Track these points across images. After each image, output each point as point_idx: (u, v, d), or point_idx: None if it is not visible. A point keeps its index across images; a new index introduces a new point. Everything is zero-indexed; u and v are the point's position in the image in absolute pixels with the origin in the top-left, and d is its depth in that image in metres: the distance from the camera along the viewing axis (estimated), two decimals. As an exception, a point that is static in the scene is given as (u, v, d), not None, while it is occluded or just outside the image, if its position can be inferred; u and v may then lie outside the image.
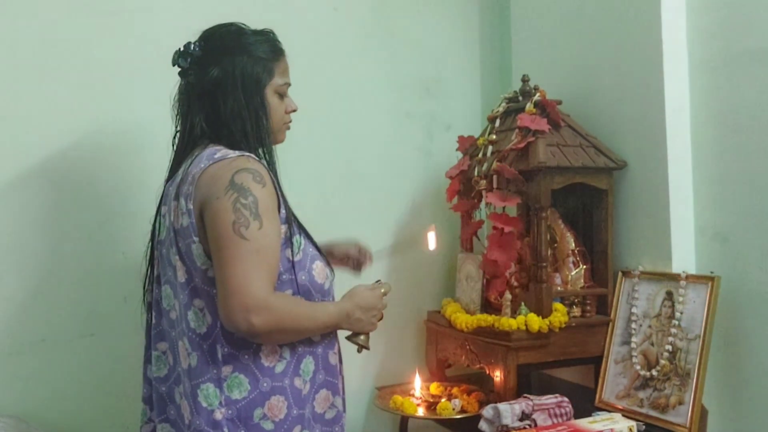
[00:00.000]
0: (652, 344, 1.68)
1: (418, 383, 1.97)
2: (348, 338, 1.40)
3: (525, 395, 1.63)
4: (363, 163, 2.15)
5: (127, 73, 1.80)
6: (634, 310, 1.74)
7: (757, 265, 1.60)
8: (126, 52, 1.81)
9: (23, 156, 1.71)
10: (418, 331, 2.19)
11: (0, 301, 1.68)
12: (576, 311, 1.82)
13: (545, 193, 1.74)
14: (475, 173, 1.89)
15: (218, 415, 1.21)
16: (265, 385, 1.24)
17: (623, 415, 1.58)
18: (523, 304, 1.75)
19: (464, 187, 1.98)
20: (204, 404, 1.21)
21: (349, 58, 2.14)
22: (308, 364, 1.30)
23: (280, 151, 1.41)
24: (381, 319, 1.42)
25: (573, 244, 1.87)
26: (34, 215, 1.73)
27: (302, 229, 1.34)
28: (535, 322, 1.70)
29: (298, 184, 1.93)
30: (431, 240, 1.71)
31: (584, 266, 1.85)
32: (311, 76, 2.05)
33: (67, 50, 1.75)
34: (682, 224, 1.73)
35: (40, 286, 1.73)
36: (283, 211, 1.28)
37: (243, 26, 1.37)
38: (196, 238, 1.23)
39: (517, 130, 1.82)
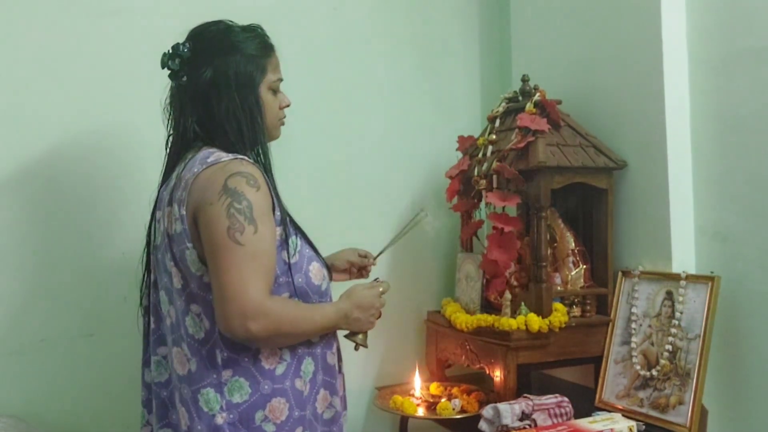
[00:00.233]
0: (652, 344, 1.68)
1: (418, 383, 1.97)
2: (346, 336, 1.40)
3: (525, 395, 1.63)
4: (362, 163, 2.15)
5: (129, 73, 1.80)
6: (634, 310, 1.74)
7: (757, 265, 1.60)
8: (128, 52, 1.81)
9: (23, 156, 1.71)
10: (418, 331, 2.19)
11: (0, 301, 1.68)
12: (576, 311, 1.82)
13: (545, 192, 1.74)
14: (475, 173, 1.88)
15: (219, 420, 1.20)
16: (266, 387, 1.24)
17: (623, 415, 1.58)
18: (523, 304, 1.75)
19: (464, 187, 1.98)
20: (205, 409, 1.21)
21: (349, 58, 2.14)
22: (308, 365, 1.30)
23: (278, 151, 1.41)
24: (379, 317, 1.42)
25: (573, 244, 1.87)
26: (33, 215, 1.73)
27: (298, 230, 1.33)
28: (535, 322, 1.70)
29: (297, 185, 1.95)
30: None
31: (584, 266, 1.85)
32: (311, 76, 2.06)
33: (67, 50, 1.76)
34: (682, 224, 1.73)
35: (40, 286, 1.73)
36: (277, 212, 1.27)
37: (231, 23, 1.35)
38: (189, 244, 1.22)
39: (516, 130, 1.82)
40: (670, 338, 1.63)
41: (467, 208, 1.99)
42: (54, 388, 1.72)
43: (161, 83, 1.39)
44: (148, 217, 1.40)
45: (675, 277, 1.67)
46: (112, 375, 1.76)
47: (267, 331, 1.17)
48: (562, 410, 1.60)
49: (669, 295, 1.68)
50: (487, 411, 1.59)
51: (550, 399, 1.61)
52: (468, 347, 1.87)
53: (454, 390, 1.93)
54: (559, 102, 1.87)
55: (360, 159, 2.15)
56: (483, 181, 1.85)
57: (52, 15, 1.74)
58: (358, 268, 1.66)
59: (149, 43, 1.78)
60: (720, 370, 1.65)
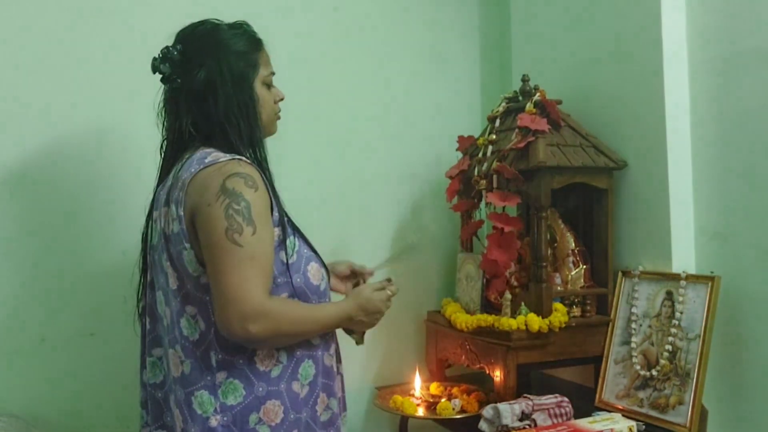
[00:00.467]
0: (652, 344, 1.68)
1: (418, 383, 1.97)
2: (344, 330, 1.40)
3: (525, 395, 1.63)
4: (362, 163, 2.15)
5: (129, 73, 1.80)
6: (634, 310, 1.74)
7: (757, 265, 1.60)
8: (128, 52, 1.81)
9: (23, 156, 1.71)
10: (418, 331, 2.19)
11: (0, 301, 1.68)
12: (576, 311, 1.82)
13: (545, 192, 1.74)
14: (475, 173, 1.88)
15: (213, 422, 1.20)
16: (260, 389, 1.23)
17: (623, 415, 1.58)
18: (523, 304, 1.75)
19: (464, 187, 1.98)
20: (199, 411, 1.20)
21: (349, 58, 2.14)
22: (307, 368, 1.29)
23: (277, 151, 1.40)
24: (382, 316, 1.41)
25: (573, 244, 1.87)
26: (33, 215, 1.73)
27: (296, 230, 1.33)
28: (535, 322, 1.70)
29: (296, 185, 1.94)
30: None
31: (584, 266, 1.85)
32: (311, 76, 2.06)
33: (68, 50, 1.75)
34: (682, 224, 1.73)
35: (40, 286, 1.73)
36: (275, 213, 1.26)
37: (217, 22, 1.35)
38: (187, 245, 1.21)
39: (517, 130, 1.82)
40: (670, 338, 1.63)
41: (467, 208, 1.99)
42: (54, 387, 1.72)
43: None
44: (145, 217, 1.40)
45: (675, 277, 1.67)
46: (112, 375, 1.76)
47: (267, 331, 1.17)
48: (562, 410, 1.60)
49: (669, 295, 1.68)
50: (487, 411, 1.59)
51: (550, 399, 1.61)
52: (468, 347, 1.87)
53: (454, 390, 1.93)
54: (559, 102, 1.87)
55: (360, 159, 2.15)
56: (483, 181, 1.85)
57: (52, 15, 1.74)
58: (359, 274, 1.64)
59: (149, 42, 1.79)
60: (720, 370, 1.65)
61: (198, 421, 1.20)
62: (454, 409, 1.78)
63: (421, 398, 1.92)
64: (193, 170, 1.22)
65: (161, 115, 1.36)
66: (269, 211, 1.24)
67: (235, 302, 1.15)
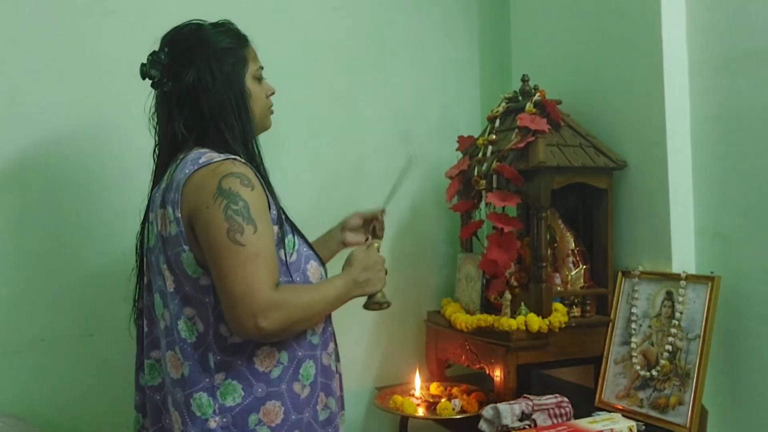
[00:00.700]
0: (652, 344, 1.68)
1: (418, 383, 1.97)
2: (366, 306, 1.39)
3: (525, 395, 1.63)
4: (362, 163, 2.15)
5: (129, 73, 1.79)
6: (634, 310, 1.74)
7: (757, 265, 1.60)
8: (126, 51, 1.80)
9: (23, 155, 1.71)
10: (418, 331, 2.18)
11: (0, 301, 1.68)
12: (576, 311, 1.82)
13: (545, 193, 1.74)
14: (475, 173, 1.88)
15: (212, 424, 1.19)
16: (259, 390, 1.23)
17: (623, 415, 1.58)
18: (522, 304, 1.75)
19: (464, 187, 1.98)
20: (198, 414, 1.20)
21: (349, 57, 2.14)
22: (308, 368, 1.29)
23: (276, 151, 1.40)
24: (386, 273, 1.40)
25: (573, 244, 1.87)
26: (33, 215, 1.73)
27: (294, 228, 1.32)
28: (535, 322, 1.70)
29: (296, 184, 1.94)
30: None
31: (584, 266, 1.85)
32: (311, 76, 2.06)
33: (67, 50, 1.76)
34: (682, 224, 1.73)
35: (40, 286, 1.73)
36: (273, 211, 1.26)
37: (201, 22, 1.35)
38: (186, 247, 1.21)
39: (516, 130, 1.82)
40: (670, 338, 1.63)
41: (467, 208, 1.99)
42: (53, 387, 1.72)
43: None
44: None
45: (675, 277, 1.67)
46: (112, 375, 1.76)
47: (279, 323, 1.17)
48: (562, 410, 1.60)
49: (669, 295, 1.68)
50: (487, 411, 1.59)
51: (550, 399, 1.61)
52: (468, 347, 1.87)
53: (454, 390, 1.93)
54: (559, 102, 1.87)
55: (359, 159, 2.15)
56: (483, 181, 1.85)
57: (51, 15, 1.74)
58: (371, 220, 1.62)
59: (148, 44, 1.79)
60: (720, 370, 1.65)
61: (197, 423, 1.20)
62: (454, 409, 1.78)
63: (421, 398, 1.92)
64: (187, 171, 1.22)
65: (153, 119, 1.36)
66: (267, 209, 1.24)
67: (243, 301, 1.14)
